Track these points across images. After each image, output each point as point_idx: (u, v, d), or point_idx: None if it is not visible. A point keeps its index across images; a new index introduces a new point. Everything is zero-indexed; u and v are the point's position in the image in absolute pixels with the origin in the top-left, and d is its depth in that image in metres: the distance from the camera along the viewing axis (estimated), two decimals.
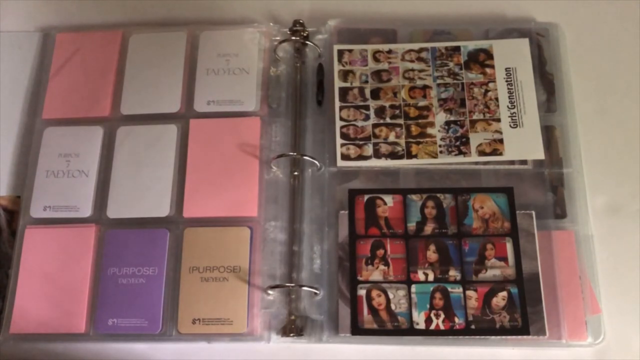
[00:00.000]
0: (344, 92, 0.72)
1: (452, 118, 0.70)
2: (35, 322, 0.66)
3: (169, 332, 0.65)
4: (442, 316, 0.63)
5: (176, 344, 0.65)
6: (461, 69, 0.73)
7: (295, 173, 0.70)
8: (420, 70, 0.73)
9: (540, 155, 0.68)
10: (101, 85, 0.74)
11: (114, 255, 0.67)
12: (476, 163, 0.69)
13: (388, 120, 0.71)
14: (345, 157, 0.70)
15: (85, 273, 0.67)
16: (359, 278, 0.65)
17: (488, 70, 0.72)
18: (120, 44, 0.76)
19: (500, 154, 0.69)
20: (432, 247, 0.65)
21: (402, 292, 0.64)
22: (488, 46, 0.74)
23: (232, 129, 0.71)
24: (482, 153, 0.69)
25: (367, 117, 0.71)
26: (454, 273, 0.64)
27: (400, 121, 0.71)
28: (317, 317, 0.65)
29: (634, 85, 0.74)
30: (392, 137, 0.70)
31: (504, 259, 0.64)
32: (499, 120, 0.70)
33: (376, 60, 0.74)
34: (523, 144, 0.69)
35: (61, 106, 0.74)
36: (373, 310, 0.64)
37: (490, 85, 0.72)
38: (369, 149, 0.70)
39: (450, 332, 0.63)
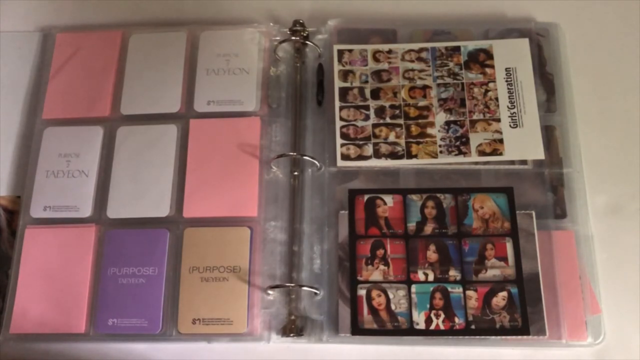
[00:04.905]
0: (344, 92, 0.72)
1: (452, 118, 0.70)
2: (35, 322, 0.66)
3: (169, 332, 0.65)
4: (442, 316, 0.63)
5: (176, 344, 0.65)
6: (461, 69, 0.73)
7: (295, 173, 0.70)
8: (420, 70, 0.73)
9: (540, 155, 0.68)
10: (101, 85, 0.74)
11: (114, 255, 0.67)
12: (476, 163, 0.69)
13: (388, 120, 0.71)
14: (345, 157, 0.70)
15: (85, 273, 0.67)
16: (359, 278, 0.65)
17: (488, 70, 0.72)
18: (120, 44, 0.76)
19: (500, 154, 0.69)
20: (432, 247, 0.65)
21: (402, 292, 0.64)
22: (488, 46, 0.74)
23: (232, 129, 0.71)
24: (482, 153, 0.69)
25: (367, 117, 0.71)
26: (454, 273, 0.64)
27: (400, 121, 0.71)
28: (317, 317, 0.65)
29: (634, 85, 0.74)
30: (392, 137, 0.70)
31: (504, 259, 0.64)
32: (499, 120, 0.70)
33: (376, 60, 0.74)
34: (523, 144, 0.69)
35: (61, 106, 0.74)
36: (373, 310, 0.64)
37: (490, 85, 0.72)
38: (369, 149, 0.70)
39: (450, 332, 0.63)
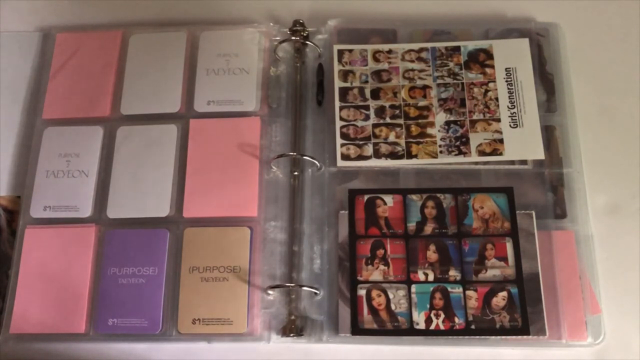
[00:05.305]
0: (344, 92, 0.72)
1: (452, 118, 0.71)
2: (35, 322, 0.66)
3: (169, 332, 0.65)
4: (442, 316, 0.63)
5: (176, 344, 0.65)
6: (461, 69, 0.73)
7: (295, 173, 0.70)
8: (420, 70, 0.73)
9: (540, 155, 0.68)
10: (101, 85, 0.74)
11: (114, 255, 0.67)
12: (476, 163, 0.69)
13: (388, 120, 0.71)
14: (345, 157, 0.70)
15: (85, 273, 0.67)
16: (359, 278, 0.65)
17: (488, 70, 0.72)
18: (120, 44, 0.76)
19: (500, 154, 0.69)
20: (432, 247, 0.65)
21: (402, 292, 0.64)
22: (488, 46, 0.74)
23: (232, 129, 0.71)
24: (482, 153, 0.69)
25: (367, 117, 0.71)
26: (454, 273, 0.64)
27: (400, 121, 0.71)
28: (317, 317, 0.65)
29: (634, 85, 0.74)
30: (392, 137, 0.70)
31: (504, 259, 0.64)
32: (499, 120, 0.70)
33: (376, 60, 0.74)
34: (523, 144, 0.69)
35: (61, 106, 0.74)
36: (373, 310, 0.64)
37: (490, 85, 0.72)
38: (369, 149, 0.70)
39: (450, 332, 0.63)
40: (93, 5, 0.81)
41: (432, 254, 0.65)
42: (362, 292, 0.64)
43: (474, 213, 0.66)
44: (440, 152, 0.69)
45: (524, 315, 0.62)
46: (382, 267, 0.65)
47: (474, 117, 0.70)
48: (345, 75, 0.73)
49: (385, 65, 0.73)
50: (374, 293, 0.64)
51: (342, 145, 0.70)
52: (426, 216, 0.67)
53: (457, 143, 0.69)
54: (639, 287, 0.66)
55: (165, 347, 0.66)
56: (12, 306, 0.66)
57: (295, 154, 0.69)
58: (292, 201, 0.69)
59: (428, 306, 0.63)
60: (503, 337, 0.62)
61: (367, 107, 0.72)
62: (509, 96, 0.71)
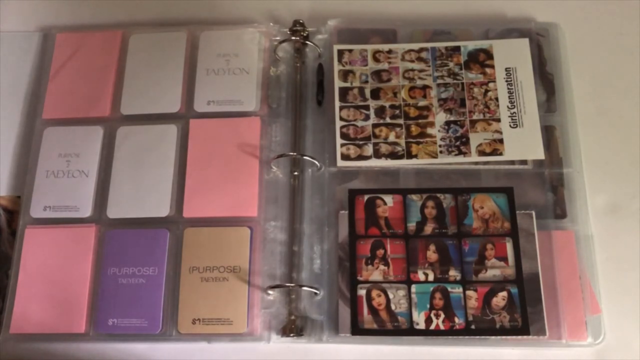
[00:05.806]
0: (344, 92, 0.72)
1: (452, 118, 0.71)
2: (35, 322, 0.66)
3: (169, 332, 0.65)
4: (442, 316, 0.63)
5: (176, 344, 0.65)
6: (461, 69, 0.73)
7: (295, 173, 0.70)
8: (420, 70, 0.73)
9: (540, 155, 0.68)
10: (101, 85, 0.74)
11: (114, 255, 0.67)
12: (476, 163, 0.69)
13: (388, 120, 0.71)
14: (345, 157, 0.70)
15: (85, 273, 0.67)
16: (359, 278, 0.65)
17: (488, 70, 0.72)
18: (120, 44, 0.76)
19: (500, 154, 0.69)
20: (432, 247, 0.65)
21: (402, 292, 0.64)
22: (488, 46, 0.74)
23: (232, 129, 0.71)
24: (482, 153, 0.69)
25: (367, 117, 0.71)
26: (454, 273, 0.64)
27: (400, 121, 0.71)
28: (317, 317, 0.65)
29: (633, 85, 0.74)
30: (392, 137, 0.70)
31: (504, 259, 0.64)
32: (499, 120, 0.70)
33: (376, 60, 0.74)
34: (523, 144, 0.69)
35: (61, 106, 0.74)
36: (373, 310, 0.64)
37: (490, 85, 0.72)
38: (369, 149, 0.70)
39: (450, 332, 0.63)
40: (93, 5, 0.81)
41: (432, 254, 0.65)
42: (362, 292, 0.64)
43: (474, 213, 0.66)
44: (440, 152, 0.69)
45: (524, 315, 0.62)
46: (382, 267, 0.65)
47: (474, 117, 0.70)
48: (345, 75, 0.73)
49: (385, 65, 0.73)
50: (374, 293, 0.64)
51: (342, 145, 0.70)
52: (426, 216, 0.67)
53: (457, 143, 0.69)
54: (639, 287, 0.66)
55: (165, 347, 0.66)
56: (12, 306, 0.66)
57: (295, 154, 0.69)
58: (292, 201, 0.69)
59: (428, 306, 0.63)
60: (503, 337, 0.62)
61: (367, 107, 0.72)
62: (509, 96, 0.71)
